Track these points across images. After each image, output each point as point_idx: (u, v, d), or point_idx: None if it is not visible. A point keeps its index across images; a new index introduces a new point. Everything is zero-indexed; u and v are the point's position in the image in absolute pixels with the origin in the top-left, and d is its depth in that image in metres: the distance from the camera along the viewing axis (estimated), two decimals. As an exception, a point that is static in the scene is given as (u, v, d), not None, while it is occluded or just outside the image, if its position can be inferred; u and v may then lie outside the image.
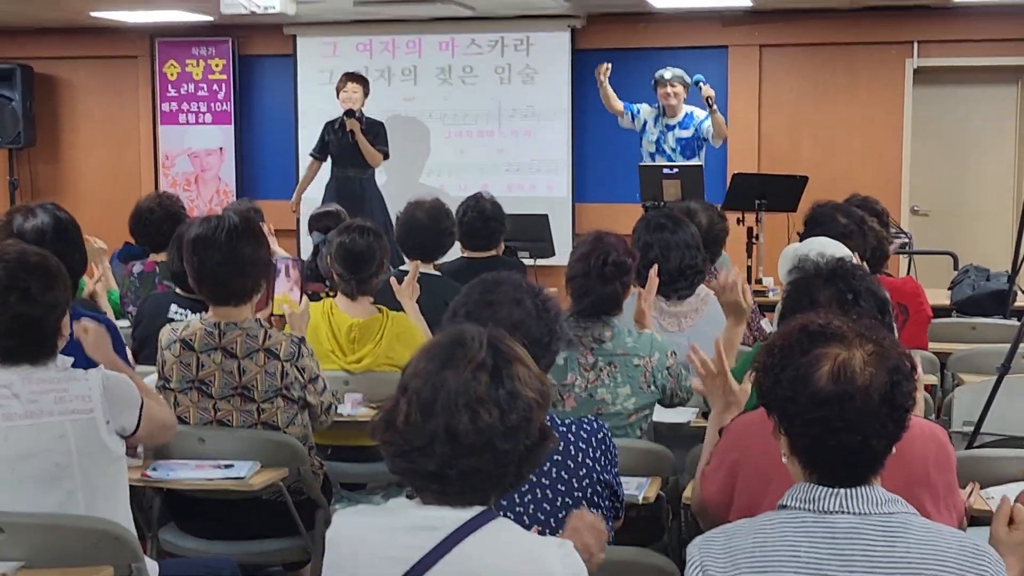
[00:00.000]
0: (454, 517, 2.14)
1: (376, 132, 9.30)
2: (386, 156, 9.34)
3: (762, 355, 2.29)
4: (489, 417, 2.10)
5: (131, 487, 3.70)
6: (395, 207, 9.27)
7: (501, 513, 2.31)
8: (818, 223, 5.06)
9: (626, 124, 9.02)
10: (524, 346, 2.77)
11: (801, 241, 4.90)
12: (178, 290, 4.89)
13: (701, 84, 8.63)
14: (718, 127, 8.63)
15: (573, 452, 2.82)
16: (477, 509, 2.16)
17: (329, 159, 9.48)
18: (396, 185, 10.01)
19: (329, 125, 9.44)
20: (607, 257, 3.94)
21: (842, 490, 2.17)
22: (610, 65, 8.94)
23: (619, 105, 8.97)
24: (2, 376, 3.12)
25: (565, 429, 2.85)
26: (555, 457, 2.81)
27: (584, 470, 2.82)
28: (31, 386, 3.10)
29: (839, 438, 2.14)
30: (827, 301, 2.87)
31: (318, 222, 6.59)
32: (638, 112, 8.92)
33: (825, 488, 2.17)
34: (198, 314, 4.07)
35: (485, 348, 2.17)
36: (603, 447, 2.87)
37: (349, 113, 9.19)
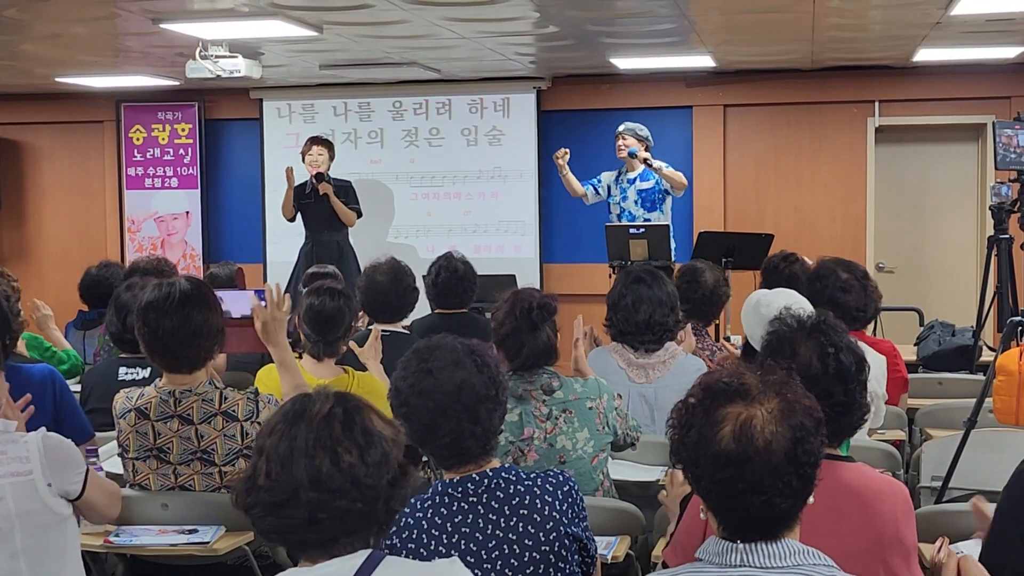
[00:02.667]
0: (347, 567, 2.17)
1: (346, 192, 9.32)
2: (359, 214, 9.34)
3: (675, 412, 2.27)
4: (349, 456, 2.15)
5: (94, 553, 3.66)
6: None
7: (471, 569, 2.33)
8: (820, 277, 5.04)
9: (592, 200, 8.92)
10: (474, 405, 2.81)
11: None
12: (122, 353, 4.88)
13: (636, 156, 8.60)
14: (670, 180, 8.62)
15: (539, 505, 2.80)
16: (364, 553, 2.19)
17: (302, 223, 9.46)
18: (364, 247, 10.00)
19: (299, 190, 9.38)
20: (530, 303, 3.95)
21: (742, 545, 2.16)
22: (568, 150, 8.83)
23: (580, 188, 8.87)
24: None
25: (530, 483, 2.83)
26: (521, 511, 2.79)
27: (551, 523, 2.79)
28: None
29: (743, 498, 2.13)
30: (808, 353, 2.86)
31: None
32: (600, 181, 8.88)
33: (729, 543, 2.17)
34: (153, 382, 3.99)
35: (332, 399, 2.23)
36: (569, 499, 2.84)
37: (319, 177, 9.19)
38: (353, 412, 2.21)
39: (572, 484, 2.88)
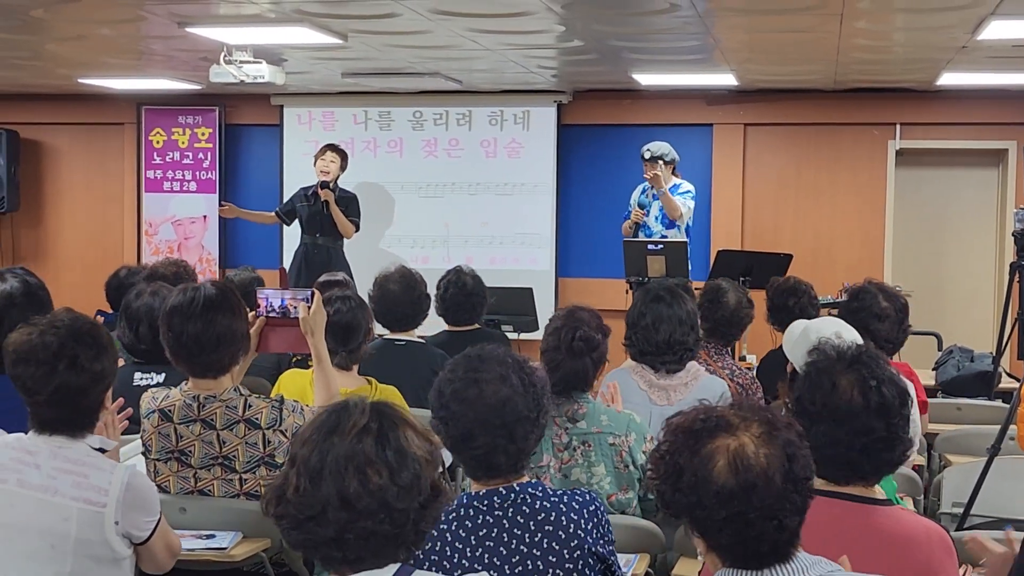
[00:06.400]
0: None
1: (348, 203, 9.34)
2: (357, 228, 9.38)
3: (653, 463, 2.24)
4: (379, 478, 2.11)
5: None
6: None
7: None
8: (859, 297, 5.00)
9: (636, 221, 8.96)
10: (512, 424, 2.77)
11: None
12: (135, 359, 4.81)
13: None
14: (667, 205, 8.65)
15: (565, 523, 2.78)
16: (393, 567, 2.16)
17: (298, 226, 9.53)
18: (369, 253, 10.00)
19: (302, 192, 9.48)
20: (575, 332, 3.92)
21: (768, 571, 2.16)
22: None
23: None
24: (32, 443, 3.08)
25: (557, 499, 2.82)
26: (546, 528, 2.77)
27: (576, 541, 2.78)
28: (55, 462, 3.06)
29: (756, 528, 2.12)
30: (848, 385, 2.74)
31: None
32: (629, 208, 8.93)
33: (747, 572, 2.16)
34: (167, 387, 3.97)
35: (368, 413, 2.18)
36: (595, 519, 2.83)
37: (323, 184, 9.23)
38: (388, 428, 2.17)
39: (599, 504, 2.86)
